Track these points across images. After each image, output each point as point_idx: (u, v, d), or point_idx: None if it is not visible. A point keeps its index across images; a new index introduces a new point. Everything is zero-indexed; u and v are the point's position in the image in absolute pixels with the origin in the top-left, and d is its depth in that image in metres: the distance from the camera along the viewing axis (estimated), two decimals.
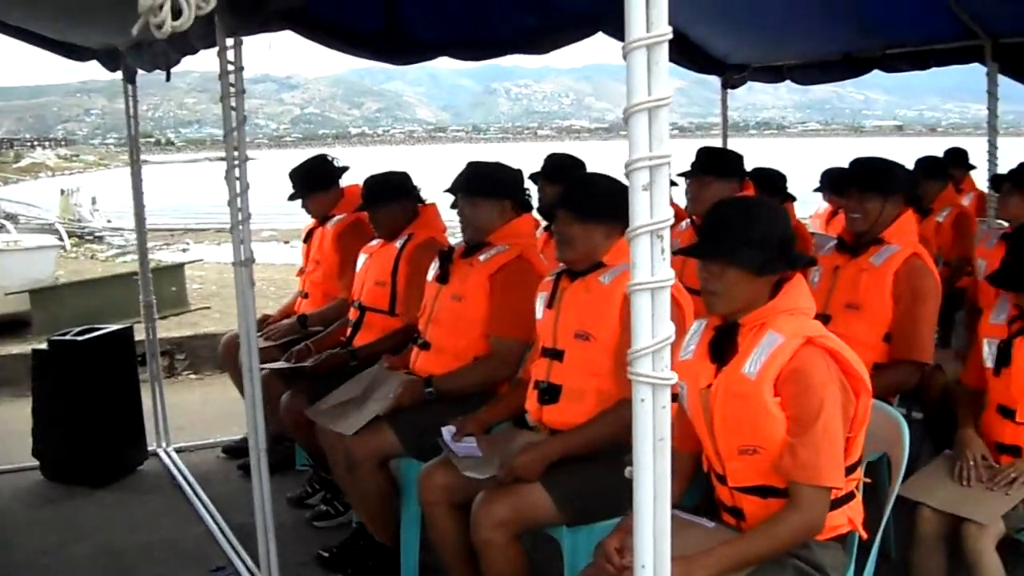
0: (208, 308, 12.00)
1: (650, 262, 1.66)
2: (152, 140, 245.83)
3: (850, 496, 2.91)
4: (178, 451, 6.46)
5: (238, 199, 3.81)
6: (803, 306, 2.91)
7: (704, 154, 5.30)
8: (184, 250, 25.27)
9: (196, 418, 7.19)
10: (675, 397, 2.96)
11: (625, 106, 1.65)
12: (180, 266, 13.74)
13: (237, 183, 3.80)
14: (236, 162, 3.81)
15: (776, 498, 2.83)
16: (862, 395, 2.82)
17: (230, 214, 3.86)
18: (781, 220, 2.94)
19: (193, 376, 8.76)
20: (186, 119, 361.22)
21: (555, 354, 3.69)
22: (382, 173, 5.30)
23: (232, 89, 3.82)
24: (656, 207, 1.65)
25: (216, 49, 3.85)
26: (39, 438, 6.11)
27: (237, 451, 6.25)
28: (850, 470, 2.86)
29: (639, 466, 1.72)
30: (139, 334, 6.52)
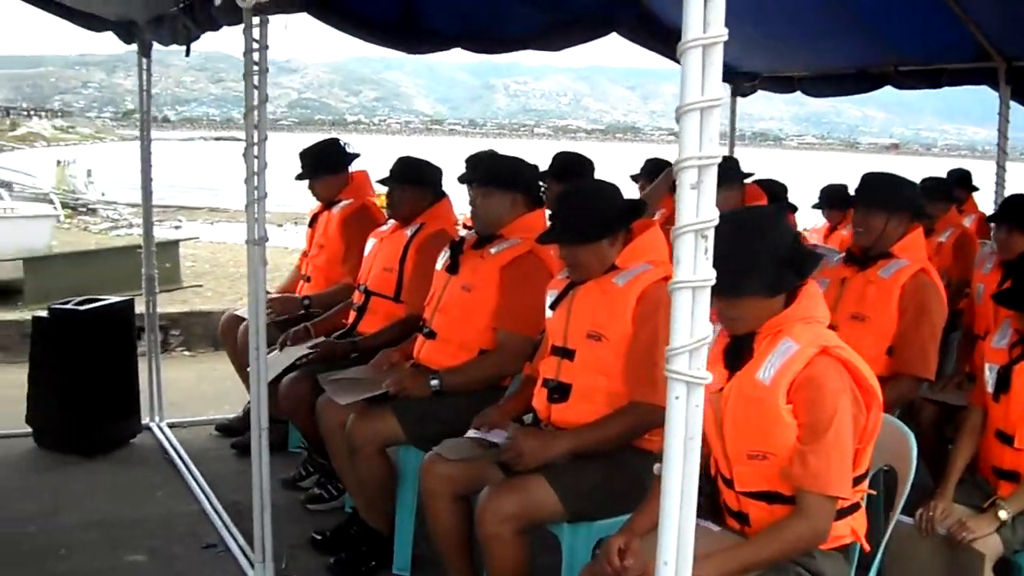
0: (200, 286, 11.99)
1: (693, 261, 1.67)
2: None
3: (855, 507, 2.92)
4: (171, 426, 6.45)
5: (255, 177, 3.81)
6: (818, 315, 2.92)
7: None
8: (176, 227, 25.18)
9: (190, 395, 7.19)
10: None
11: (678, 104, 1.65)
12: (175, 243, 13.71)
13: (256, 161, 3.80)
14: (256, 141, 3.81)
15: (782, 505, 2.84)
16: (873, 407, 2.83)
17: (246, 192, 3.86)
18: (782, 231, 2.94)
19: (187, 353, 8.76)
20: (183, 97, 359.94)
21: (565, 353, 3.68)
22: (418, 157, 5.31)
23: (256, 68, 3.82)
24: (702, 207, 1.66)
25: (241, 27, 3.85)
26: (33, 405, 6.11)
27: (231, 430, 6.25)
28: (857, 481, 2.87)
29: (668, 463, 1.73)
30: (138, 307, 6.51)
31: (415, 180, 5.15)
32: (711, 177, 1.66)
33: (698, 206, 1.66)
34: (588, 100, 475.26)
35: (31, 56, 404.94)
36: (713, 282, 1.70)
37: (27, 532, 4.90)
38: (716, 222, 1.68)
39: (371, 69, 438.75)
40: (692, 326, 1.69)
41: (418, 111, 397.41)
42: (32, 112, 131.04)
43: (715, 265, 2.92)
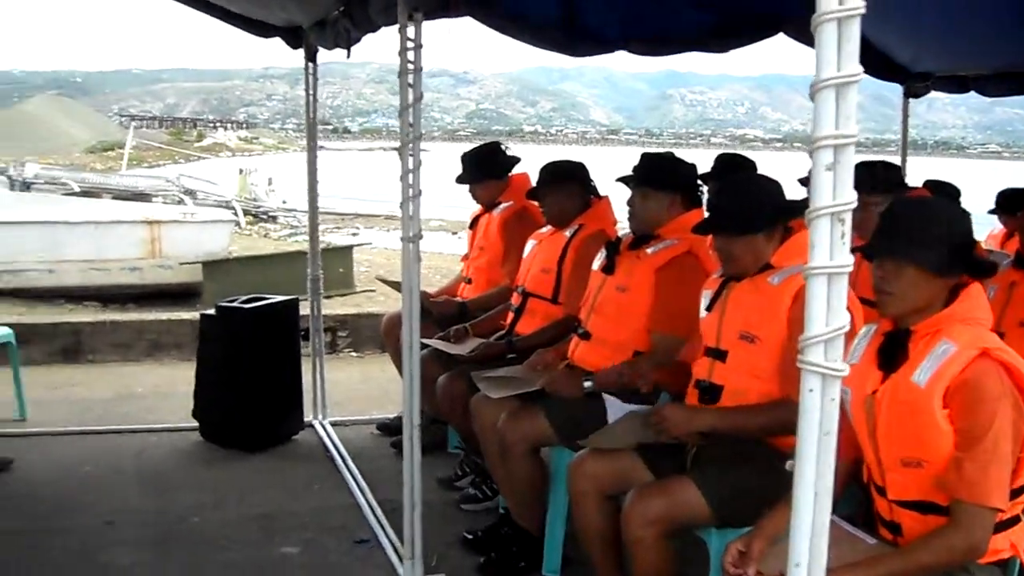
0: (373, 291, 12.20)
1: (829, 246, 1.59)
2: (330, 127, 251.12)
3: (1015, 520, 2.75)
4: (333, 424, 6.56)
5: (410, 175, 3.83)
6: (980, 316, 2.77)
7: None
8: (354, 234, 25.74)
9: (354, 394, 7.30)
10: None
11: (812, 81, 1.58)
12: (348, 248, 14.03)
13: (410, 159, 3.82)
14: (410, 139, 3.83)
15: (937, 515, 2.70)
16: None
17: (401, 190, 3.88)
18: (961, 221, 2.81)
19: (354, 354, 8.89)
20: (364, 108, 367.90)
21: (718, 354, 3.60)
22: (556, 160, 5.28)
23: (410, 66, 3.85)
24: (839, 189, 1.58)
25: (396, 27, 3.89)
26: (200, 400, 6.30)
27: (391, 429, 6.32)
28: (1016, 493, 2.71)
29: (801, 459, 1.66)
30: (304, 308, 6.65)
31: (556, 183, 5.12)
32: (848, 157, 1.58)
33: (834, 188, 1.58)
34: (766, 109, 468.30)
35: (219, 70, 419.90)
36: (851, 267, 1.61)
37: (192, 522, 5.05)
38: (854, 204, 1.59)
39: (548, 79, 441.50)
40: (828, 315, 1.62)
41: (595, 121, 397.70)
42: (218, 124, 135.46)
43: (888, 228, 2.78)
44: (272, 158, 71.47)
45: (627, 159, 5.11)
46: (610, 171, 5.25)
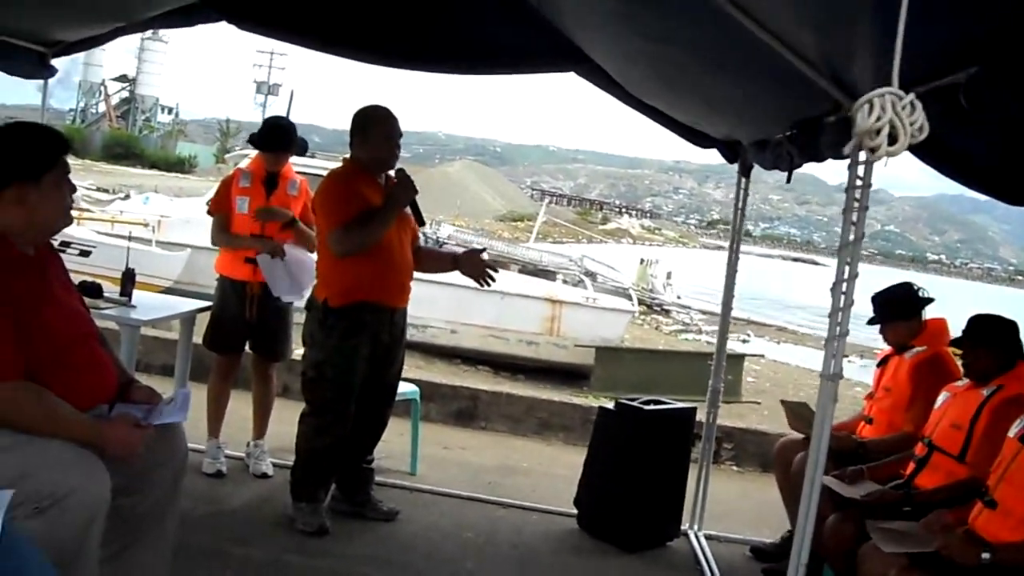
0: (759, 403, 12.10)
1: None
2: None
3: None
4: (708, 538, 6.51)
5: (839, 313, 3.79)
6: None
7: None
8: (744, 341, 25.61)
9: (732, 510, 7.21)
10: None
11: None
12: (741, 356, 13.98)
13: (842, 298, 3.79)
14: (845, 277, 3.79)
15: None
16: None
17: (828, 326, 3.84)
18: None
19: (735, 468, 8.81)
20: (767, 214, 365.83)
21: None
22: (990, 315, 5.06)
23: (856, 205, 3.82)
24: None
25: (847, 163, 3.86)
26: (583, 489, 6.42)
27: (765, 554, 6.20)
28: None
29: None
30: (696, 415, 6.66)
31: (991, 339, 4.89)
32: None
33: None
34: None
35: (630, 157, 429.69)
36: None
37: None
38: None
39: (959, 209, 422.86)
40: None
41: (1003, 259, 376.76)
42: (624, 209, 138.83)
43: None
44: (671, 251, 72.45)
45: None
46: (1016, 317, 5.00)
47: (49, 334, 3.58)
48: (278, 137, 6.48)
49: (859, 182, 3.82)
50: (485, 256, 6.08)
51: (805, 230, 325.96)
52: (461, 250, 6.49)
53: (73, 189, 3.83)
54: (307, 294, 5.97)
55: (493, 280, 5.96)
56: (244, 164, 7.27)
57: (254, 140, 6.60)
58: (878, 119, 2.99)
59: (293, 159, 6.71)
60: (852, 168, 3.83)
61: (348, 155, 5.85)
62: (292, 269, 6.35)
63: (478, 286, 6.07)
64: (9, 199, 3.52)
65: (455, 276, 6.08)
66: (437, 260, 6.33)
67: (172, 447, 3.96)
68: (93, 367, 3.80)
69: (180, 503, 4.11)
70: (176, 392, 4.26)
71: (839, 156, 4.03)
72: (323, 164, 7.62)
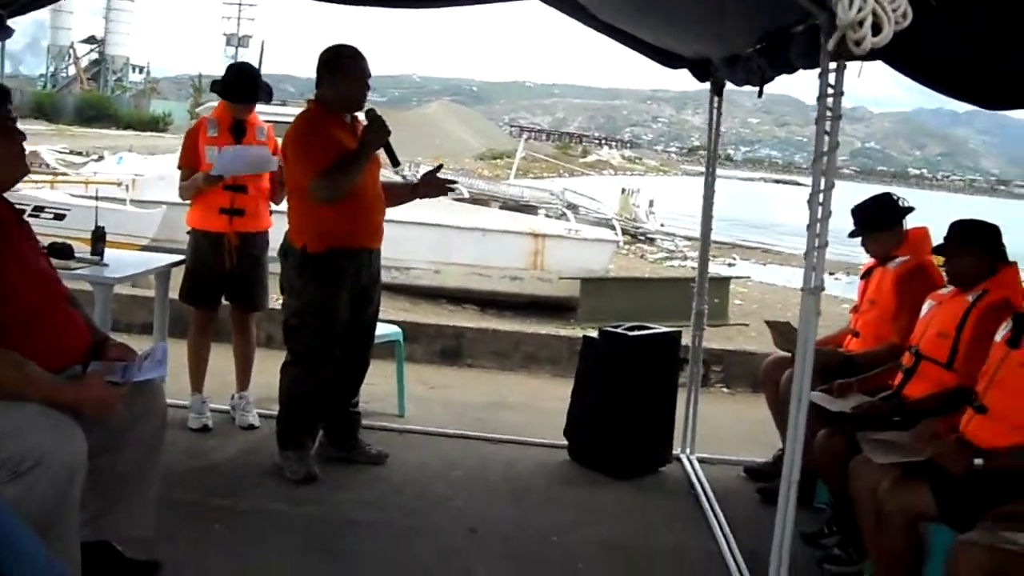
0: (747, 325, 12.11)
1: None
2: None
3: None
4: (700, 461, 6.48)
5: (818, 224, 3.74)
6: None
7: None
8: (730, 264, 25.66)
9: (723, 432, 7.18)
10: None
11: None
12: (726, 279, 13.98)
13: (819, 208, 3.73)
14: (822, 187, 3.73)
15: None
16: None
17: (807, 239, 3.80)
18: None
19: (725, 390, 8.80)
20: (747, 138, 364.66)
21: None
22: (970, 219, 4.99)
23: (829, 113, 3.75)
24: None
25: (815, 71, 3.79)
26: (572, 420, 6.39)
27: (758, 474, 6.18)
28: None
29: None
30: (683, 338, 6.62)
31: (973, 243, 4.84)
32: None
33: None
34: None
35: (607, 88, 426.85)
36: None
37: (550, 542, 5.12)
38: None
39: (939, 123, 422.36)
40: None
41: (984, 170, 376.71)
42: (603, 141, 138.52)
43: None
44: (653, 180, 72.46)
45: (1016, 213, 4.81)
46: (1000, 225, 4.95)
47: (14, 296, 3.52)
48: (245, 88, 6.37)
49: (831, 90, 3.76)
50: (440, 174, 6.03)
51: (786, 152, 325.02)
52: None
53: (23, 137, 3.75)
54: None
55: (453, 189, 5.92)
56: (207, 112, 7.15)
57: (218, 89, 6.49)
58: (860, 10, 2.93)
59: (261, 107, 6.61)
60: (823, 76, 3.76)
61: (312, 97, 5.73)
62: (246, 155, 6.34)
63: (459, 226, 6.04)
64: None
65: (436, 216, 6.04)
66: (399, 194, 6.23)
67: (150, 403, 3.92)
68: (63, 328, 3.74)
69: (162, 459, 4.08)
70: (153, 346, 4.20)
71: (810, 65, 3.98)
72: (295, 111, 7.53)
